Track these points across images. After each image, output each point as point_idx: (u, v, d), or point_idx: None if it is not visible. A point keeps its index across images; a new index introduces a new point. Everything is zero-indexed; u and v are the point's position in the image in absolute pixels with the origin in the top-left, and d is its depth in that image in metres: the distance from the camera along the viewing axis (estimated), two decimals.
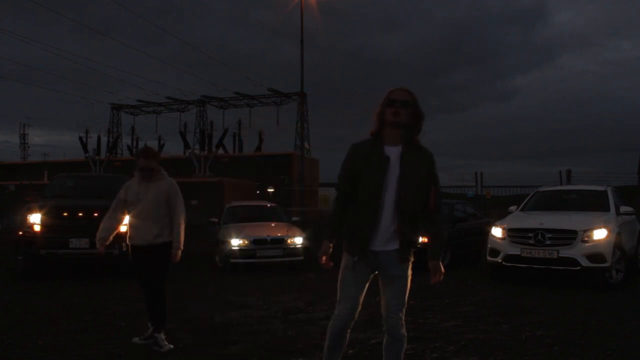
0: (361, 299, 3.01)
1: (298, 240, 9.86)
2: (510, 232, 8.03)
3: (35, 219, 8.21)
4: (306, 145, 35.18)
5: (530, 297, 6.89)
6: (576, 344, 4.62)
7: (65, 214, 8.33)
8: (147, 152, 4.71)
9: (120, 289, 7.48)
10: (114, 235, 4.72)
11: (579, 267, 7.38)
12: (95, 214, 8.43)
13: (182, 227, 4.58)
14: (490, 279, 8.33)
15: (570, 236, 7.53)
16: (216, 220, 11.06)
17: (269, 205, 12.61)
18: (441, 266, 3.01)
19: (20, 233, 8.49)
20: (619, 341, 4.73)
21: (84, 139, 40.94)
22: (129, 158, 40.73)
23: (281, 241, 9.75)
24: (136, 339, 4.63)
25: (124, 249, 8.28)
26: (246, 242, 9.56)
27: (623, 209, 8.52)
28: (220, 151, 35.69)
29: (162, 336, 4.48)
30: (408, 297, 3.04)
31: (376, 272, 3.01)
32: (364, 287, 3.02)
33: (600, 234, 7.49)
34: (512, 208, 9.40)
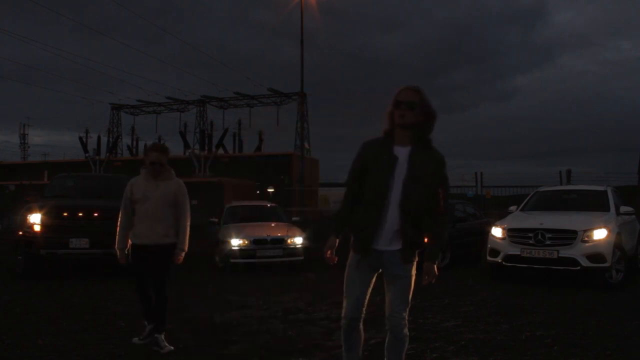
0: (366, 297, 3.03)
1: (298, 240, 9.86)
2: (510, 232, 8.03)
3: (35, 219, 8.20)
4: (306, 145, 35.20)
5: (530, 297, 6.89)
6: (576, 344, 4.62)
7: (65, 214, 8.32)
8: (159, 146, 4.62)
9: (120, 289, 7.48)
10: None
11: (579, 267, 7.38)
12: (95, 214, 8.44)
13: (188, 229, 4.57)
14: (490, 279, 8.33)
15: (570, 236, 7.53)
16: (216, 220, 11.07)
17: (269, 205, 12.61)
18: (435, 269, 2.97)
19: (20, 233, 8.49)
20: (619, 341, 4.73)
21: (84, 139, 40.94)
22: (129, 158, 40.81)
23: (281, 241, 9.75)
24: (136, 339, 4.61)
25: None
26: (246, 242, 9.56)
27: (623, 209, 8.52)
28: (220, 151, 35.70)
29: (162, 337, 4.47)
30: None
31: (380, 270, 3.02)
32: (368, 285, 3.02)
33: (600, 234, 7.49)
34: (512, 208, 9.40)
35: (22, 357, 4.27)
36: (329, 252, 3.07)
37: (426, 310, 6.03)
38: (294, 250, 9.79)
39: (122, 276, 8.40)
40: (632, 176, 18.10)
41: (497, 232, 8.25)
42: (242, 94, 40.39)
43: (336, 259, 3.08)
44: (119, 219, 4.60)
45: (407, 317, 3.01)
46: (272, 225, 10.62)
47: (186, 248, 4.56)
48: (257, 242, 9.61)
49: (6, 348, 4.48)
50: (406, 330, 3.00)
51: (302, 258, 9.81)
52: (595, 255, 7.36)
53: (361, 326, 3.08)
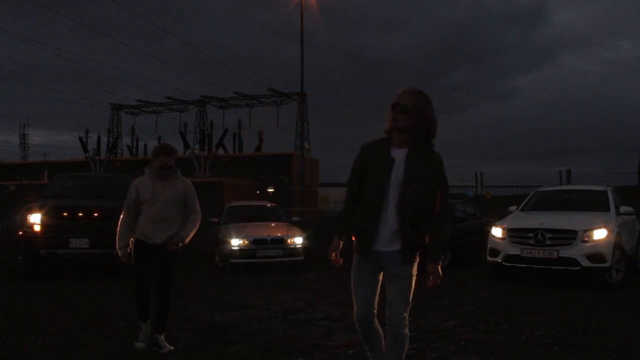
0: (375, 296, 3.04)
1: (298, 240, 9.86)
2: (510, 232, 8.03)
3: (35, 219, 8.20)
4: (306, 145, 35.19)
5: (530, 297, 6.89)
6: (576, 344, 4.62)
7: (65, 214, 8.33)
8: (168, 149, 4.50)
9: (120, 289, 7.48)
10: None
11: (579, 267, 7.38)
12: (95, 214, 8.44)
13: (197, 224, 4.53)
14: (490, 279, 8.33)
15: (570, 236, 7.53)
16: (216, 220, 11.06)
17: (269, 205, 12.61)
18: (439, 270, 3.00)
19: (20, 233, 8.49)
20: (619, 341, 4.73)
21: (84, 139, 40.94)
22: (129, 158, 40.81)
23: (281, 241, 9.76)
24: (140, 345, 4.41)
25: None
26: (246, 242, 9.56)
27: (623, 209, 8.52)
28: (220, 151, 35.69)
29: (162, 337, 4.46)
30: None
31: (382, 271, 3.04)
32: (374, 286, 3.04)
33: (600, 234, 7.49)
34: (512, 208, 9.40)
35: (22, 357, 4.27)
36: (333, 254, 3.10)
37: (426, 310, 6.03)
38: (294, 250, 9.79)
39: (122, 276, 8.44)
40: (632, 176, 18.10)
41: (497, 232, 8.25)
42: (242, 94, 40.39)
43: (341, 260, 3.11)
44: (121, 219, 4.51)
45: (407, 318, 3.00)
46: (272, 225, 10.62)
47: (187, 240, 4.48)
48: (257, 242, 9.61)
49: (6, 348, 4.48)
50: (406, 331, 3.00)
51: (302, 258, 9.81)
52: (595, 255, 7.36)
53: (376, 324, 3.09)
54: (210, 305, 6.38)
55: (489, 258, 8.25)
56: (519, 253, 7.75)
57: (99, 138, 41.12)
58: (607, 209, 8.45)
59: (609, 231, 7.54)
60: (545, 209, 9.00)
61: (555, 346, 4.56)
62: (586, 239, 7.47)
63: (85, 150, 35.35)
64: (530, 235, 7.72)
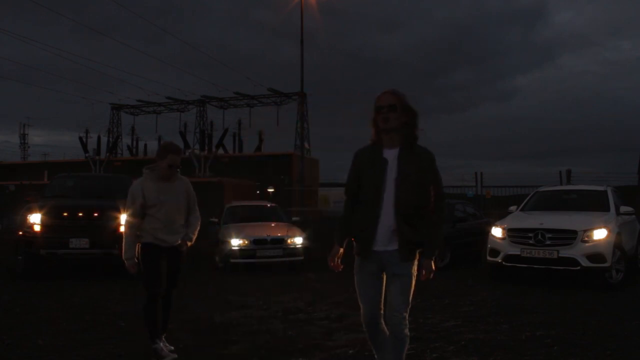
0: (379, 297, 3.06)
1: (298, 240, 9.86)
2: (510, 232, 8.03)
3: (35, 219, 8.21)
4: (306, 145, 35.19)
5: (530, 297, 6.89)
6: (576, 344, 4.61)
7: (65, 214, 8.33)
8: (177, 148, 4.39)
9: (120, 289, 7.48)
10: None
11: (579, 267, 7.38)
12: (95, 214, 8.45)
13: (200, 222, 4.48)
14: (490, 279, 8.33)
15: (570, 236, 7.53)
16: (216, 220, 11.06)
17: (269, 205, 12.61)
18: (432, 265, 3.02)
19: (20, 233, 8.49)
20: (619, 341, 4.73)
21: (84, 139, 40.92)
22: (129, 158, 40.81)
23: (281, 241, 9.76)
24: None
25: None
26: (246, 242, 9.56)
27: (623, 209, 8.52)
28: (220, 151, 35.68)
29: (163, 337, 4.42)
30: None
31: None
32: (378, 286, 3.05)
33: (600, 234, 7.49)
34: (512, 208, 9.40)
35: (22, 357, 4.27)
36: (333, 261, 3.12)
37: (426, 310, 6.03)
38: (294, 250, 9.79)
39: (122, 276, 8.43)
40: (632, 176, 18.08)
41: (497, 232, 8.25)
42: (242, 94, 40.39)
43: (342, 267, 3.14)
44: (128, 226, 4.23)
45: (407, 317, 3.01)
46: (272, 225, 10.62)
47: (194, 239, 4.43)
48: (257, 242, 9.61)
49: (6, 348, 4.49)
50: (407, 330, 3.01)
51: (302, 258, 9.81)
52: (595, 255, 7.36)
53: (383, 325, 3.10)
54: (210, 306, 6.38)
55: (489, 258, 8.25)
56: (519, 253, 7.75)
57: (99, 138, 41.12)
58: (607, 209, 8.45)
59: (609, 231, 7.54)
60: (545, 209, 9.00)
61: (555, 346, 4.56)
62: (586, 239, 7.47)
63: (85, 150, 35.33)
64: (530, 235, 7.72)
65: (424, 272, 3.00)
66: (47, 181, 25.00)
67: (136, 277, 4.23)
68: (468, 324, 5.37)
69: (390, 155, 2.98)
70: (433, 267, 3.02)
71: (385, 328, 3.12)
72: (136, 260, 4.20)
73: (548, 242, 7.56)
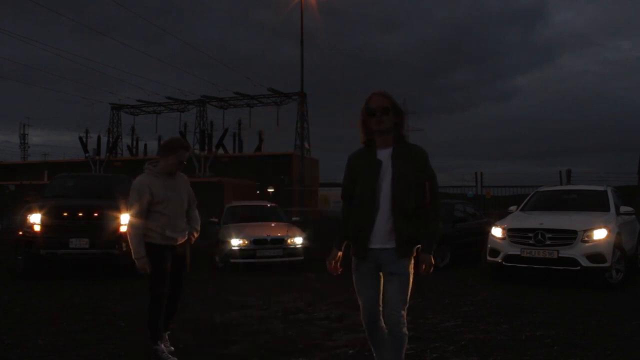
0: (377, 296, 3.07)
1: (298, 240, 9.85)
2: (510, 232, 8.03)
3: (35, 219, 8.21)
4: (306, 145, 35.20)
5: (530, 297, 6.89)
6: (576, 344, 4.62)
7: (65, 214, 8.33)
8: (188, 144, 4.34)
9: (120, 289, 7.48)
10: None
11: (579, 267, 7.38)
12: (95, 214, 8.45)
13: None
14: (490, 279, 8.33)
15: (570, 236, 7.53)
16: (216, 220, 11.06)
17: (269, 205, 12.61)
18: (431, 259, 3.03)
19: (20, 233, 8.49)
20: (619, 341, 4.73)
21: (84, 139, 40.88)
22: (129, 158, 40.81)
23: (281, 241, 9.75)
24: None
25: (124, 249, 8.31)
26: (246, 242, 9.56)
27: (623, 209, 8.52)
28: (220, 151, 35.67)
29: (167, 335, 4.39)
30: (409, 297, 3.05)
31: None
32: (376, 285, 3.07)
33: (600, 234, 7.49)
34: (512, 208, 9.40)
35: (22, 357, 4.27)
36: (332, 263, 3.14)
37: (426, 310, 6.03)
38: (294, 250, 9.79)
39: (122, 276, 8.44)
40: (632, 176, 18.10)
41: (497, 232, 8.25)
42: (242, 94, 40.40)
43: (340, 269, 3.16)
44: (134, 224, 4.06)
45: (405, 316, 3.01)
46: (272, 225, 10.62)
47: (199, 231, 4.41)
48: (257, 242, 9.60)
49: (6, 348, 4.48)
50: (405, 329, 3.01)
51: (302, 258, 9.81)
52: (595, 255, 7.36)
53: (382, 323, 3.11)
54: (210, 305, 6.38)
55: (489, 258, 8.25)
56: (519, 253, 7.75)
57: (99, 138, 41.14)
58: (607, 209, 8.45)
59: (609, 231, 7.54)
60: (545, 209, 9.00)
61: (555, 346, 4.56)
62: (586, 239, 7.47)
63: (85, 150, 35.33)
64: (530, 235, 7.72)
65: (423, 267, 3.02)
66: (47, 181, 24.99)
67: (143, 276, 4.15)
68: (468, 324, 5.37)
69: (384, 155, 3.03)
70: (432, 262, 3.04)
71: (385, 327, 3.13)
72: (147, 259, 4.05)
73: (548, 242, 7.56)
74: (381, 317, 3.09)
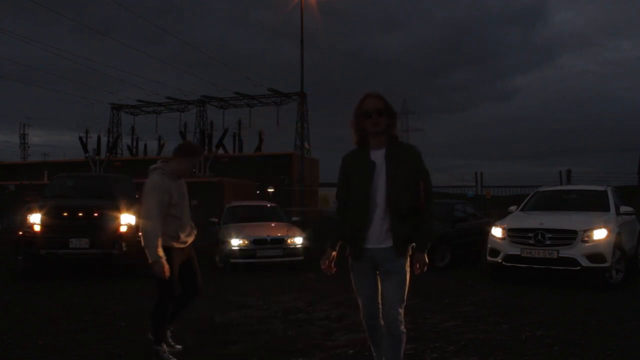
0: (375, 295, 3.09)
1: (298, 240, 9.85)
2: (510, 232, 8.03)
3: (35, 219, 8.20)
4: (306, 145, 35.20)
5: (530, 297, 6.89)
6: (576, 344, 4.61)
7: (65, 214, 8.32)
8: (203, 150, 4.35)
9: (120, 289, 7.48)
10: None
11: (579, 267, 7.37)
12: (95, 214, 8.44)
13: None
14: (490, 279, 8.33)
15: (570, 236, 7.53)
16: (216, 220, 11.06)
17: (269, 205, 12.61)
18: (425, 258, 3.06)
19: (20, 233, 8.49)
20: (619, 341, 4.73)
21: (84, 139, 40.90)
22: (129, 158, 40.81)
23: (281, 241, 9.75)
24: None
25: (124, 249, 8.32)
26: (246, 242, 9.56)
27: (623, 209, 8.52)
28: (220, 151, 35.69)
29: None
30: (408, 297, 3.06)
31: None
32: (374, 285, 3.09)
33: (600, 234, 7.49)
34: (512, 208, 9.39)
35: (22, 357, 4.27)
36: (325, 263, 3.17)
37: (426, 310, 6.03)
38: (294, 250, 9.79)
39: (122, 276, 8.45)
40: (632, 176, 18.11)
41: (497, 232, 8.25)
42: (242, 94, 40.41)
43: (334, 269, 3.19)
44: (154, 226, 3.93)
45: (402, 314, 3.02)
46: (272, 225, 10.62)
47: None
48: (257, 242, 9.60)
49: (6, 348, 4.48)
50: (403, 328, 3.02)
51: (302, 258, 9.81)
52: (595, 255, 7.36)
53: (381, 322, 3.12)
54: (210, 305, 6.37)
55: (489, 258, 8.24)
56: (519, 253, 7.74)
57: (99, 138, 41.19)
58: (607, 209, 8.44)
59: (609, 231, 7.54)
60: (545, 209, 8.99)
61: (555, 346, 4.56)
62: (586, 239, 7.47)
63: (85, 150, 35.37)
64: (530, 235, 7.72)
65: (417, 266, 3.04)
66: (47, 181, 24.99)
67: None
68: (468, 324, 5.37)
69: (378, 156, 3.04)
70: (426, 260, 3.06)
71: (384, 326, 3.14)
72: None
73: (548, 242, 7.56)
74: (380, 317, 3.10)
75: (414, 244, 3.06)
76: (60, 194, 9.37)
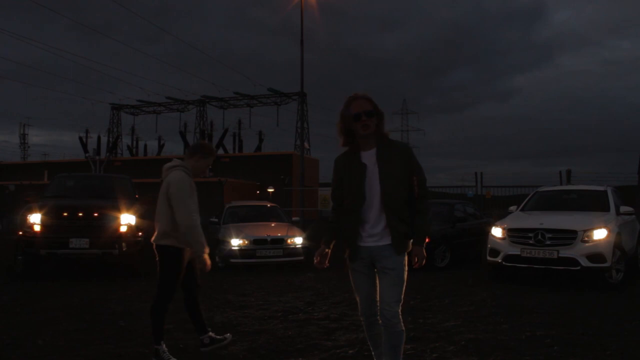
0: (373, 292, 3.11)
1: (298, 240, 9.86)
2: (510, 232, 8.03)
3: (35, 219, 8.20)
4: (306, 145, 35.21)
5: (530, 297, 6.89)
6: (576, 344, 4.62)
7: (65, 214, 8.32)
8: (215, 151, 4.33)
9: (120, 289, 7.48)
10: None
11: (579, 267, 7.38)
12: (95, 214, 8.44)
13: None
14: (490, 279, 8.34)
15: (570, 236, 7.53)
16: (216, 220, 11.07)
17: (269, 205, 12.62)
18: (423, 252, 3.07)
19: (20, 233, 8.49)
20: (619, 341, 4.73)
21: (84, 139, 40.98)
22: (129, 158, 40.82)
23: (281, 241, 9.76)
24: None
25: (124, 249, 8.32)
26: (246, 242, 9.56)
27: (623, 209, 8.52)
28: (220, 151, 35.69)
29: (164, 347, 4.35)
30: (408, 297, 3.07)
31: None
32: (372, 282, 3.11)
33: (600, 234, 7.49)
34: (512, 208, 9.40)
35: (22, 357, 4.27)
36: (317, 258, 3.20)
37: (426, 310, 6.03)
38: (294, 250, 9.80)
39: (122, 276, 8.44)
40: (632, 176, 18.11)
41: (497, 232, 8.25)
42: (242, 94, 40.42)
43: (326, 265, 3.22)
44: (196, 222, 3.97)
45: (400, 312, 3.02)
46: (272, 225, 10.62)
47: None
48: (257, 242, 9.61)
49: (6, 348, 4.48)
50: (401, 325, 3.01)
51: (302, 258, 9.81)
52: (595, 255, 7.36)
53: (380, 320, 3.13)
54: (210, 305, 6.38)
55: (489, 258, 8.25)
56: (519, 253, 7.75)
57: (99, 138, 41.21)
58: (607, 209, 8.45)
59: (609, 231, 7.54)
60: (545, 209, 9.00)
61: (555, 346, 4.56)
62: (586, 239, 7.47)
63: (85, 150, 35.42)
64: (530, 235, 7.72)
65: (416, 260, 3.06)
66: (47, 181, 25.00)
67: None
68: (468, 324, 5.37)
69: (369, 157, 3.06)
70: (425, 254, 3.08)
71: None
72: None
73: (548, 242, 7.56)
74: (378, 314, 3.11)
75: (409, 238, 3.07)
76: (60, 194, 9.37)
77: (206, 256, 3.95)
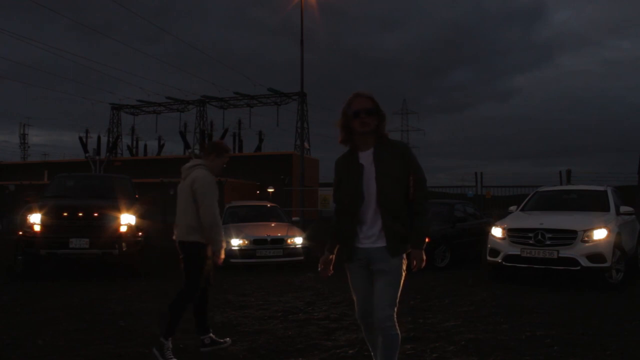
0: (370, 295, 3.07)
1: (298, 240, 9.86)
2: (510, 232, 8.03)
3: (35, 219, 8.20)
4: (306, 145, 35.21)
5: (530, 297, 6.89)
6: (576, 344, 4.62)
7: (65, 214, 8.32)
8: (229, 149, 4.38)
9: (120, 289, 7.48)
10: None
11: (579, 267, 7.38)
12: (95, 214, 8.44)
13: None
14: (490, 279, 8.34)
15: (570, 236, 7.53)
16: None
17: (269, 205, 12.62)
18: (422, 255, 3.02)
19: (20, 233, 8.49)
20: (619, 341, 4.73)
21: (84, 139, 40.99)
22: (129, 158, 40.83)
23: (281, 241, 9.76)
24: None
25: (124, 249, 8.32)
26: (246, 242, 9.56)
27: (623, 209, 8.52)
28: None
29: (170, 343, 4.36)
30: (408, 297, 3.06)
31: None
32: (368, 284, 3.07)
33: (600, 234, 7.49)
34: (512, 208, 9.40)
35: (22, 357, 4.26)
36: (322, 266, 3.19)
37: (426, 310, 6.02)
38: (294, 250, 9.80)
39: (122, 276, 8.44)
40: (632, 176, 18.11)
41: (497, 232, 8.25)
42: (242, 94, 40.43)
43: (331, 272, 3.20)
44: (219, 220, 4.17)
45: (395, 315, 2.97)
46: (272, 225, 10.62)
47: None
48: (257, 242, 9.61)
49: (6, 348, 4.48)
50: (395, 329, 2.94)
51: (302, 258, 9.81)
52: (595, 255, 7.36)
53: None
54: (211, 306, 6.37)
55: (489, 258, 8.25)
56: (519, 253, 7.75)
57: (99, 138, 41.22)
58: (607, 209, 8.45)
59: (609, 231, 7.54)
60: (545, 209, 9.00)
61: (555, 346, 4.56)
62: (586, 239, 7.47)
63: (85, 150, 35.42)
64: (530, 235, 7.72)
65: (414, 263, 3.01)
66: (47, 181, 24.99)
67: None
68: (468, 324, 5.37)
69: (366, 157, 3.04)
70: (424, 257, 3.03)
71: None
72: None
73: (548, 242, 7.56)
74: (373, 319, 3.09)
75: (406, 240, 3.02)
76: (60, 194, 9.37)
77: (223, 253, 4.07)
